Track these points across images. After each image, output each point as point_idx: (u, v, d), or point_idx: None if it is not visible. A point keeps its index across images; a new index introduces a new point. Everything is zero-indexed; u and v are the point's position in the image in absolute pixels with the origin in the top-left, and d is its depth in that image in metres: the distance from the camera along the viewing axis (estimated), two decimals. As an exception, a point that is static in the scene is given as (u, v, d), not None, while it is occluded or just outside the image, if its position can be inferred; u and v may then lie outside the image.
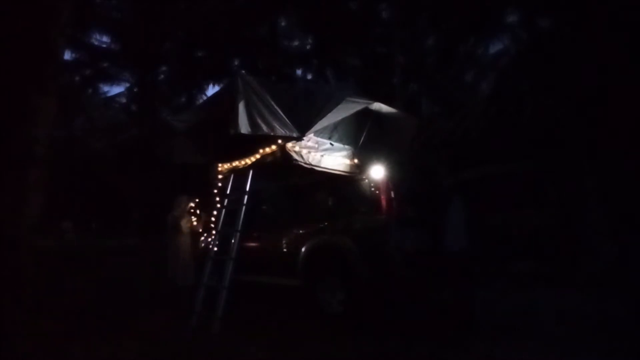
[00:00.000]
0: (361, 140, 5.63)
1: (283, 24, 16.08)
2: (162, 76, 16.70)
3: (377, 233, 4.90)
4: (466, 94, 12.21)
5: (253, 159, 5.22)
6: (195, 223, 7.35)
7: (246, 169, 5.33)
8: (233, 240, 5.03)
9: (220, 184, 5.97)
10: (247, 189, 5.15)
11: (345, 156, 5.40)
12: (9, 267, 2.57)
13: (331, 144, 5.28)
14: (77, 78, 15.82)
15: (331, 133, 5.37)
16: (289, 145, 4.84)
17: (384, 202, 4.98)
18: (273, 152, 4.96)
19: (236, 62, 15.99)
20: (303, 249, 5.36)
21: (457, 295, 4.82)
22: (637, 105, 6.53)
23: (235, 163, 5.54)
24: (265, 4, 13.77)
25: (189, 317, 4.83)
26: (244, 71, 5.16)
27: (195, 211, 7.40)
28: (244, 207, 5.06)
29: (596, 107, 7.13)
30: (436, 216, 5.05)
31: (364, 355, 3.86)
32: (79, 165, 15.75)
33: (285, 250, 5.69)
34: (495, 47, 12.17)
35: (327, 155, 5.19)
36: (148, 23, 14.18)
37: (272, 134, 4.56)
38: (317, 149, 5.09)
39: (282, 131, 4.56)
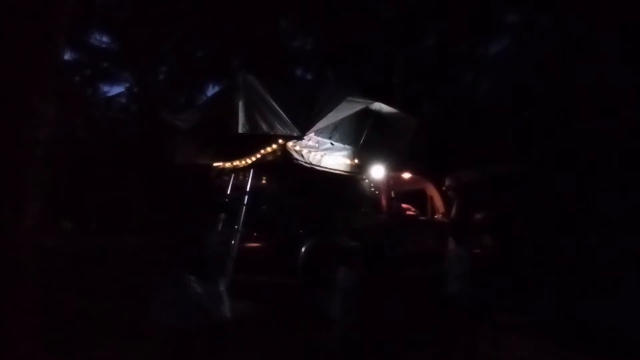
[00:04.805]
0: (361, 140, 5.63)
1: (283, 24, 16.06)
2: (162, 76, 16.68)
3: (377, 232, 4.90)
4: (466, 94, 12.22)
5: (254, 158, 5.22)
6: None
7: (246, 168, 5.33)
8: (233, 241, 5.02)
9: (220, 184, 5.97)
10: (248, 188, 5.14)
11: (345, 156, 5.40)
12: (9, 267, 2.57)
13: (332, 143, 5.29)
14: (77, 78, 15.80)
15: (332, 133, 5.38)
16: (290, 144, 4.84)
17: (384, 202, 4.98)
18: (274, 152, 4.96)
19: (236, 62, 15.97)
20: (303, 249, 5.35)
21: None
22: (636, 104, 6.54)
23: (236, 162, 5.53)
24: (266, 4, 13.77)
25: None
26: (244, 70, 5.16)
27: None
28: (244, 207, 5.06)
29: (596, 107, 7.14)
30: None
31: (363, 356, 3.86)
32: (79, 165, 15.71)
33: (284, 249, 5.68)
34: (495, 47, 12.19)
35: (327, 154, 5.19)
36: (148, 23, 14.16)
37: (272, 133, 4.56)
38: (317, 149, 5.10)
39: (283, 130, 4.56)
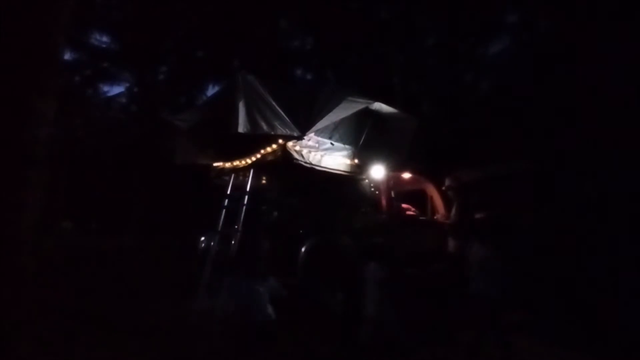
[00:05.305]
0: (361, 140, 5.63)
1: (283, 24, 16.06)
2: (162, 76, 16.68)
3: (377, 232, 4.90)
4: (466, 94, 12.22)
5: (254, 158, 5.22)
6: None
7: (246, 168, 5.33)
8: (233, 241, 5.02)
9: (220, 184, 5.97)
10: (248, 188, 5.14)
11: (345, 156, 5.40)
12: (9, 267, 2.57)
13: (332, 143, 5.29)
14: (77, 78, 15.80)
15: (332, 133, 5.38)
16: (290, 144, 4.84)
17: (384, 202, 4.98)
18: (274, 151, 4.97)
19: (236, 62, 15.97)
20: (303, 249, 5.35)
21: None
22: (636, 105, 6.54)
23: (236, 162, 5.53)
24: (266, 4, 13.76)
25: (189, 317, 4.81)
26: (244, 70, 5.16)
27: None
28: (244, 207, 5.05)
29: (596, 107, 7.13)
30: None
31: (364, 356, 3.86)
32: (79, 165, 15.72)
33: (284, 249, 5.68)
34: (495, 47, 12.19)
35: (327, 154, 5.20)
36: (148, 23, 14.16)
37: (272, 133, 4.56)
38: (317, 149, 5.10)
39: (283, 130, 4.56)
